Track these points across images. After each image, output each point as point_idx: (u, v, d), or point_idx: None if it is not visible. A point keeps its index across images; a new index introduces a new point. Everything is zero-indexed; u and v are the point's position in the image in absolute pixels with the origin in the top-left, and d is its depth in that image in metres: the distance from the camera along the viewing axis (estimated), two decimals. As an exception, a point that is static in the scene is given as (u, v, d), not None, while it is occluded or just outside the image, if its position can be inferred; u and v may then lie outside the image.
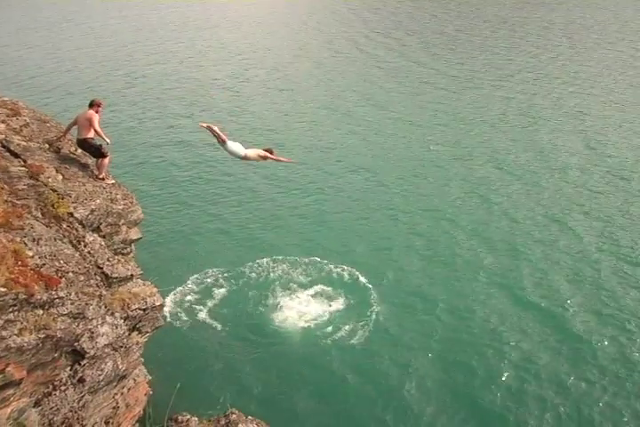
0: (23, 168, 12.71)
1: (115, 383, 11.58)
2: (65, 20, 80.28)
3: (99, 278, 11.81)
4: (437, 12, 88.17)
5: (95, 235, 12.93)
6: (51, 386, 9.97)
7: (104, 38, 69.09)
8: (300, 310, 21.95)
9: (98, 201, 13.37)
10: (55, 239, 11.24)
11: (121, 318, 11.69)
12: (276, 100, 47.62)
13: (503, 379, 19.07)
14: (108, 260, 12.52)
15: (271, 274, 24.16)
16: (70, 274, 10.58)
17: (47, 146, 14.46)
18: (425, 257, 26.11)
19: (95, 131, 14.28)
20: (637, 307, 22.68)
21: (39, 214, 11.72)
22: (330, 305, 22.19)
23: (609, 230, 27.96)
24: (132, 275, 12.96)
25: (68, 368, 10.30)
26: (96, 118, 14.32)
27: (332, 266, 24.66)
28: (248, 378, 18.74)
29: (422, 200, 31.06)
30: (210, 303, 22.20)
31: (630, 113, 44.11)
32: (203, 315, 21.54)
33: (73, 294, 10.13)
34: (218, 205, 30.09)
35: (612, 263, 25.44)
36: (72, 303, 9.97)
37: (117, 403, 11.79)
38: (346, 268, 24.49)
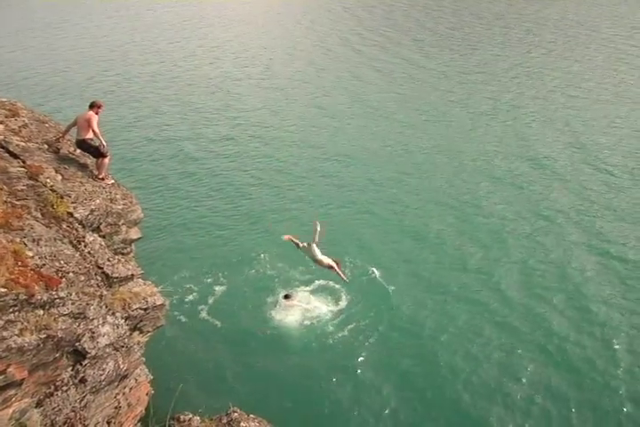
0: (22, 169, 12.72)
1: (116, 383, 11.57)
2: (61, 20, 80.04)
3: (99, 278, 11.81)
4: (432, 8, 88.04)
5: (95, 235, 12.93)
6: (52, 386, 9.97)
7: (99, 38, 68.93)
8: (302, 307, 21.95)
9: (97, 201, 13.38)
10: (55, 240, 11.24)
11: (122, 317, 11.70)
12: (269, 98, 47.57)
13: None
14: (109, 260, 12.53)
15: (272, 271, 24.16)
16: (71, 274, 10.58)
17: (46, 146, 14.46)
18: (424, 250, 26.26)
19: (93, 132, 14.30)
20: (622, 302, 22.78)
21: (39, 215, 11.72)
22: (331, 302, 22.19)
23: (601, 224, 28.11)
24: (132, 275, 12.96)
25: (70, 368, 10.30)
26: (95, 119, 14.33)
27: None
28: (250, 377, 18.75)
29: (411, 195, 31.16)
30: (211, 302, 22.19)
31: (622, 109, 44.06)
32: (204, 313, 21.53)
33: (73, 294, 10.13)
34: (217, 203, 30.07)
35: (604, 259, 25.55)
36: (73, 303, 9.97)
37: (119, 403, 11.78)
38: (348, 264, 24.49)
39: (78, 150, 15.13)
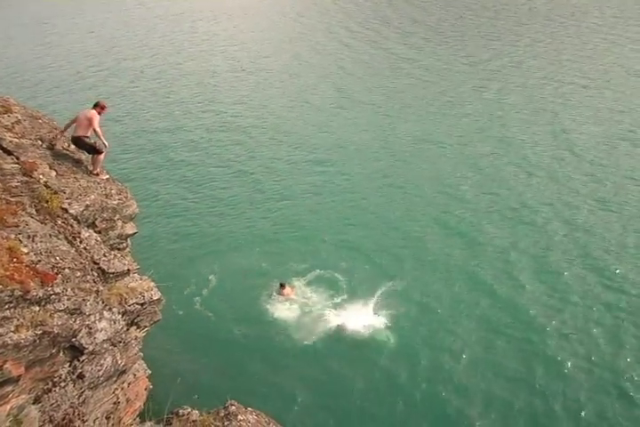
0: (16, 165, 12.67)
1: (115, 378, 11.57)
2: (53, 15, 79.82)
3: (95, 274, 11.80)
4: (421, 0, 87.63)
5: (90, 230, 12.92)
6: (50, 382, 9.96)
7: (92, 33, 68.82)
8: (299, 300, 21.95)
9: (92, 196, 13.36)
10: (50, 236, 11.22)
11: (119, 313, 11.69)
12: (254, 91, 47.45)
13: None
14: (105, 255, 12.52)
15: (269, 264, 24.15)
16: (66, 270, 10.56)
17: (40, 142, 14.41)
18: (419, 240, 26.31)
19: (95, 131, 14.35)
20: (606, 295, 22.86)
21: (34, 211, 11.69)
22: (329, 295, 22.16)
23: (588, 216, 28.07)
24: (128, 270, 12.95)
25: (67, 364, 10.29)
26: (97, 119, 14.38)
27: (331, 255, 24.69)
28: (247, 370, 18.77)
29: (415, 188, 31.08)
30: (208, 296, 22.18)
31: (608, 99, 43.82)
32: (201, 307, 21.53)
33: (69, 289, 10.12)
34: (212, 197, 30.04)
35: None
36: (69, 299, 9.95)
37: (118, 398, 11.79)
38: (344, 256, 24.52)
39: (73, 146, 15.10)
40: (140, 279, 13.27)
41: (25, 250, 9.99)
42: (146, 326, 13.25)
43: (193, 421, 11.70)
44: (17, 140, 13.62)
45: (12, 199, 11.41)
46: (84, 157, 15.16)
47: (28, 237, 10.49)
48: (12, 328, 8.61)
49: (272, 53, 59.59)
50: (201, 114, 41.93)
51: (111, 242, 13.92)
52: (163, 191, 30.60)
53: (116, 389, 11.78)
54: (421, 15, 76.95)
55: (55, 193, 12.49)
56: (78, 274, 10.85)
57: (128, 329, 12.14)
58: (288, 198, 29.89)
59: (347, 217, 28.24)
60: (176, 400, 13.02)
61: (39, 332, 9.01)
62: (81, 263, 11.31)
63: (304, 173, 32.89)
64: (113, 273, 12.39)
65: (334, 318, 20.87)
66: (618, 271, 23.88)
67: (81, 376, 10.41)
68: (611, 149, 35.10)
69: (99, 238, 12.89)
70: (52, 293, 9.60)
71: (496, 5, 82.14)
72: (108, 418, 11.39)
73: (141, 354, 12.84)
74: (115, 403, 11.64)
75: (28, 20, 76.12)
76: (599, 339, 20.39)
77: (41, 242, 10.65)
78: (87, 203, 13.01)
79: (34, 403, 9.57)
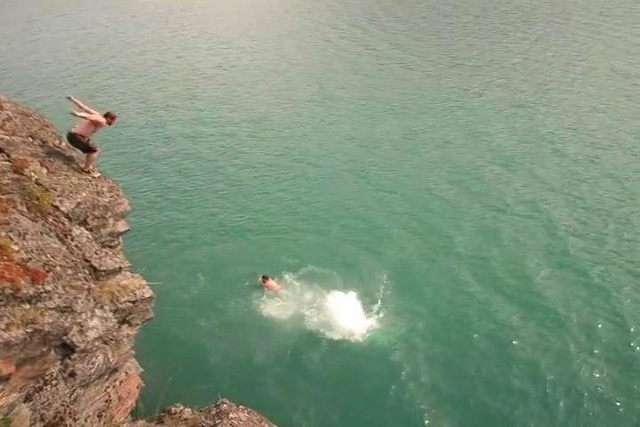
0: (7, 162, 12.58)
1: (106, 376, 11.54)
2: (44, 12, 79.28)
3: (87, 272, 11.73)
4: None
5: (82, 228, 12.84)
6: (41, 381, 9.91)
7: (84, 30, 68.39)
8: (291, 297, 21.97)
9: (84, 194, 13.28)
10: (41, 233, 11.15)
11: (110, 310, 11.64)
12: (257, 89, 47.62)
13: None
14: (96, 253, 12.44)
15: (260, 262, 24.15)
16: (58, 268, 10.49)
17: (31, 139, 14.31)
18: (410, 234, 26.70)
19: (89, 132, 14.31)
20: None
21: (24, 209, 11.60)
22: (322, 293, 22.16)
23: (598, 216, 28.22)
24: (120, 267, 12.88)
25: (59, 362, 10.25)
26: (101, 127, 14.34)
27: (322, 253, 24.73)
28: (239, 368, 18.80)
29: (400, 185, 31.45)
30: (199, 294, 22.19)
31: (607, 96, 44.16)
32: (193, 306, 21.52)
33: (60, 287, 10.06)
34: (204, 196, 30.09)
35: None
36: (59, 297, 9.90)
37: (110, 396, 11.76)
38: (339, 251, 24.62)
39: (64, 143, 15.02)
40: (132, 277, 13.22)
41: (15, 248, 9.92)
42: (138, 324, 13.21)
43: (185, 419, 11.69)
44: (8, 138, 13.51)
45: (2, 197, 11.33)
46: (76, 154, 15.07)
47: (19, 234, 10.41)
48: (3, 327, 8.56)
49: (258, 51, 59.65)
50: (185, 110, 42.08)
51: (103, 240, 13.84)
52: (153, 188, 30.57)
53: (108, 387, 11.74)
54: (407, 13, 76.85)
55: (46, 190, 12.41)
56: (69, 272, 10.78)
57: (120, 327, 12.10)
58: (277, 194, 30.17)
59: (329, 211, 28.69)
60: (168, 398, 13.02)
61: (30, 330, 8.96)
62: (72, 261, 11.24)
63: (292, 168, 33.25)
64: (104, 271, 12.32)
65: (326, 314, 20.91)
66: (602, 270, 24.21)
67: (72, 374, 10.37)
68: (593, 146, 35.48)
69: (90, 236, 12.81)
70: (42, 291, 9.54)
71: (482, 4, 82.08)
72: (99, 416, 11.35)
73: (133, 352, 12.82)
74: (106, 401, 11.61)
75: (19, 16, 75.56)
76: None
77: (32, 240, 10.58)
78: (78, 200, 12.93)
79: (24, 401, 9.52)
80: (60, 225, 12.14)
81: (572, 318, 21.48)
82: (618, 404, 18.00)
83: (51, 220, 12.02)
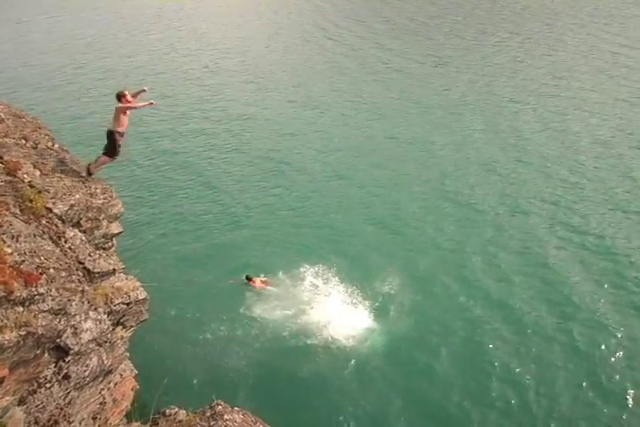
0: (0, 165, 12.55)
1: (101, 379, 11.50)
2: (35, 13, 78.92)
3: (80, 274, 11.70)
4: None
5: (75, 230, 12.81)
6: (35, 383, 9.89)
7: (74, 31, 68.05)
8: (286, 299, 21.92)
9: (77, 196, 13.24)
10: (35, 236, 11.11)
11: (104, 312, 11.61)
12: (244, 89, 47.67)
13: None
14: (90, 255, 12.42)
15: (254, 262, 24.14)
16: (51, 270, 10.46)
17: (24, 141, 14.28)
18: (400, 233, 26.97)
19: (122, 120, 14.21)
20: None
21: (18, 211, 11.57)
22: (316, 294, 22.14)
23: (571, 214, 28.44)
24: (114, 269, 12.87)
25: (53, 365, 10.22)
26: (122, 108, 14.13)
27: (315, 253, 24.74)
28: (234, 369, 18.77)
29: (381, 185, 31.67)
30: (194, 296, 22.13)
31: (592, 97, 44.43)
32: (187, 307, 21.47)
33: (54, 290, 10.03)
34: (197, 196, 30.08)
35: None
36: (53, 300, 9.87)
37: (104, 398, 11.72)
38: (331, 249, 24.73)
39: (57, 145, 15.01)
40: (126, 279, 13.21)
41: (9, 250, 9.89)
42: (132, 326, 13.18)
43: (179, 421, 11.66)
44: (0, 140, 13.51)
45: (-5, 199, 11.31)
46: (68, 156, 15.04)
47: (12, 237, 10.38)
48: (-4, 329, 8.54)
49: (263, 51, 59.74)
50: (171, 111, 41.88)
51: (96, 241, 13.81)
52: (149, 190, 30.49)
53: (103, 389, 11.70)
54: (394, 14, 77.11)
55: (39, 192, 12.37)
56: (63, 274, 10.75)
57: (114, 329, 12.08)
58: (267, 196, 30.10)
59: (316, 210, 28.82)
60: (163, 400, 12.99)
61: (23, 333, 8.92)
62: (66, 263, 11.21)
63: (278, 168, 33.43)
64: (98, 273, 12.30)
65: (323, 319, 20.86)
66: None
67: (66, 377, 10.34)
68: (575, 145, 35.86)
69: (84, 238, 12.78)
70: (36, 293, 9.51)
71: (483, 3, 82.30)
72: (94, 419, 11.31)
73: (127, 354, 12.79)
74: (101, 403, 11.57)
75: (9, 17, 75.30)
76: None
77: (25, 242, 10.55)
78: (72, 202, 12.89)
79: (19, 404, 9.50)
80: (54, 227, 12.11)
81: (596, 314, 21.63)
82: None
83: (44, 222, 11.99)
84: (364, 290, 22.21)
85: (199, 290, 22.46)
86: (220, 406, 11.61)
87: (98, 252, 12.96)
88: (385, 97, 45.33)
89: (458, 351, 20.04)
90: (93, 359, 10.89)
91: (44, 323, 9.45)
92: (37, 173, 13.20)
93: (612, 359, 19.58)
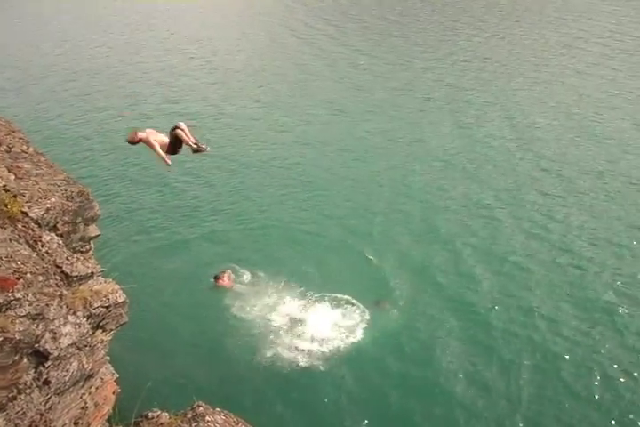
0: (-27, 169, 12.42)
1: (82, 383, 11.41)
2: (17, 17, 78.17)
3: (58, 278, 11.60)
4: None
5: (52, 234, 12.68)
6: (15, 390, 9.78)
7: (49, 35, 67.59)
8: (268, 303, 21.89)
9: (53, 199, 13.11)
10: (10, 240, 10.99)
11: (83, 316, 11.51)
12: (209, 91, 47.60)
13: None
14: (67, 258, 12.30)
15: (236, 266, 24.07)
16: (28, 275, 10.35)
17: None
18: (384, 228, 27.19)
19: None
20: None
21: (-8, 216, 11.45)
22: (298, 297, 22.13)
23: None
24: (92, 273, 12.75)
25: (32, 370, 10.12)
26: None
27: (298, 256, 24.76)
28: (215, 370, 18.77)
29: (350, 185, 31.77)
30: (173, 299, 22.08)
31: (559, 92, 45.00)
32: (167, 311, 21.40)
33: (31, 294, 9.93)
34: (177, 199, 29.97)
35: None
36: (30, 304, 9.76)
37: (86, 403, 11.63)
38: (316, 253, 24.76)
39: (31, 149, 14.87)
40: (105, 282, 13.09)
41: (-16, 256, 9.79)
42: (112, 329, 13.08)
43: (161, 423, 11.62)
44: (-27, 144, 13.34)
45: (-31, 204, 11.18)
46: (44, 159, 14.90)
47: (-13, 242, 10.28)
48: (-28, 336, 8.44)
49: (231, 51, 59.66)
50: (159, 113, 41.64)
51: (74, 245, 13.71)
52: (123, 192, 30.31)
53: (84, 394, 11.62)
54: (383, 10, 77.27)
55: (14, 196, 12.23)
56: (40, 278, 10.65)
57: (94, 333, 11.97)
58: (246, 196, 30.16)
59: (302, 211, 28.87)
60: (145, 403, 12.93)
61: (0, 339, 8.83)
62: (43, 267, 11.10)
63: (261, 169, 33.45)
64: (76, 276, 12.19)
65: (306, 321, 20.90)
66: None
67: (47, 382, 10.24)
68: (560, 141, 36.15)
69: (61, 242, 12.66)
70: (12, 298, 9.40)
71: (439, 1, 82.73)
72: (76, 424, 11.23)
73: (108, 358, 12.70)
74: (83, 408, 11.48)
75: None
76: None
77: (1, 247, 10.44)
78: (48, 206, 12.77)
79: (-2, 411, 9.40)
80: (30, 231, 11.99)
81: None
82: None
83: (20, 226, 11.86)
84: (349, 286, 22.29)
85: (177, 291, 22.41)
86: (201, 408, 11.61)
87: (75, 255, 12.84)
88: (351, 95, 45.71)
89: (452, 347, 20.27)
90: (73, 364, 10.80)
91: (21, 328, 9.34)
92: (12, 176, 13.05)
93: (613, 359, 19.82)
